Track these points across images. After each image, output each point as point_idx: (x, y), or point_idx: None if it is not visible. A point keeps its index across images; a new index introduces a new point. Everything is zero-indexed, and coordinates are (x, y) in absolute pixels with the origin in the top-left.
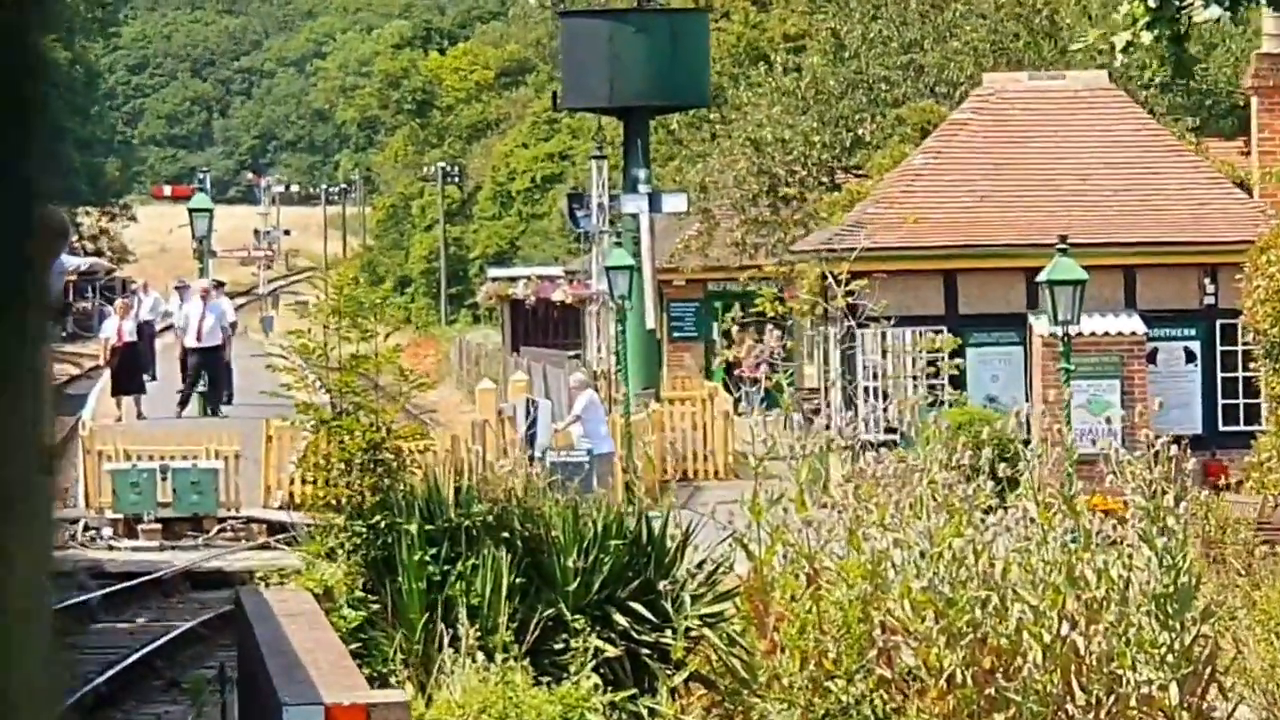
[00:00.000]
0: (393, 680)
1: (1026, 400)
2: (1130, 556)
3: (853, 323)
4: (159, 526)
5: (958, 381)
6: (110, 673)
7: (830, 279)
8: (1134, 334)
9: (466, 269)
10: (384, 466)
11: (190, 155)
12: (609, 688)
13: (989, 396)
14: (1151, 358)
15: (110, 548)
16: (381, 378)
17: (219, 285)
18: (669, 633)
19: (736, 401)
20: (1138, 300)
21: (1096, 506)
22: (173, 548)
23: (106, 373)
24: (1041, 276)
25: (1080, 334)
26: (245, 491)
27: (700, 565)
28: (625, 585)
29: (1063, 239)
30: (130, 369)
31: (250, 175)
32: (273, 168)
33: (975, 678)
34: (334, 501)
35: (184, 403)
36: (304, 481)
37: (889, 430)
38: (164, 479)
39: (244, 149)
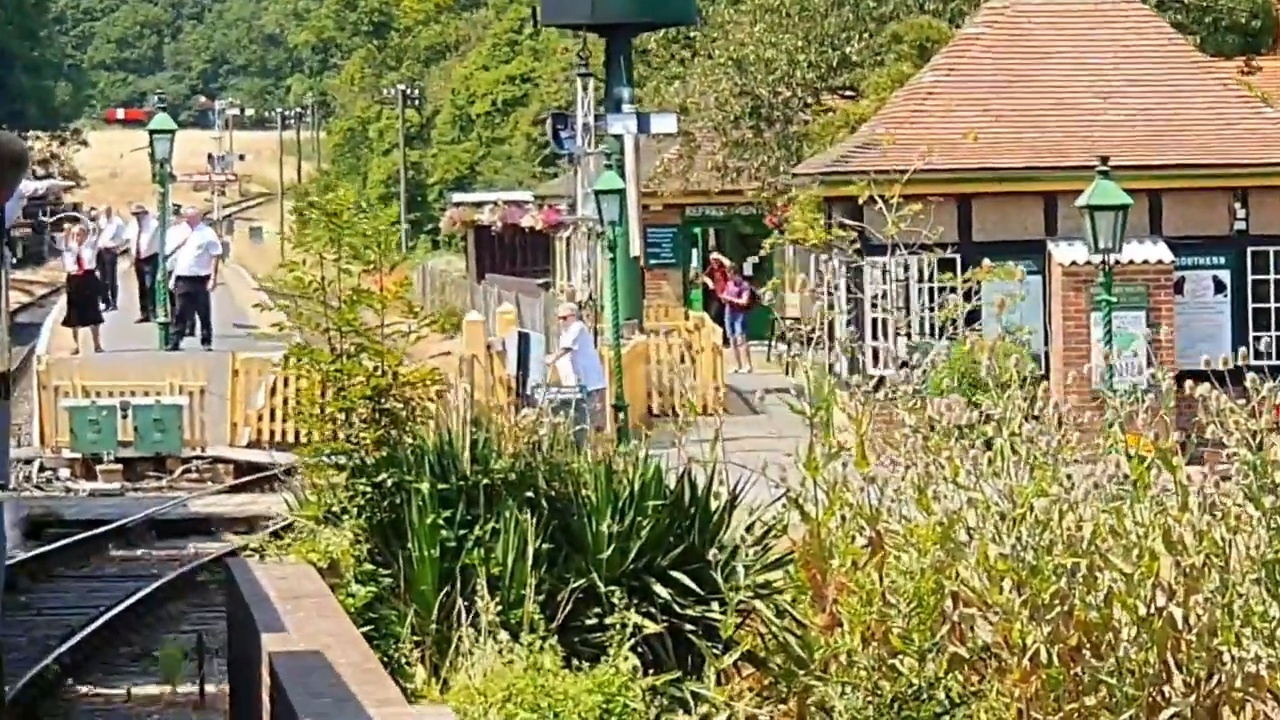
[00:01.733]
0: (406, 666)
1: (1046, 334)
2: (1237, 518)
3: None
4: (119, 467)
5: (973, 315)
6: (71, 640)
7: (880, 201)
8: (1160, 262)
9: (425, 194)
10: (390, 417)
11: (140, 80)
12: (649, 670)
13: (1006, 329)
14: (1178, 287)
15: (68, 490)
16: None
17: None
18: (715, 606)
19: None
20: (1163, 226)
21: (1130, 448)
22: (134, 490)
23: (60, 302)
24: (1081, 200)
25: (1104, 263)
26: (211, 429)
27: (749, 529)
28: (666, 552)
29: (1103, 160)
30: (88, 299)
31: (202, 99)
32: (224, 92)
33: (1060, 656)
34: (333, 457)
35: (180, 337)
36: (273, 418)
37: (901, 365)
38: (125, 416)
39: (195, 73)
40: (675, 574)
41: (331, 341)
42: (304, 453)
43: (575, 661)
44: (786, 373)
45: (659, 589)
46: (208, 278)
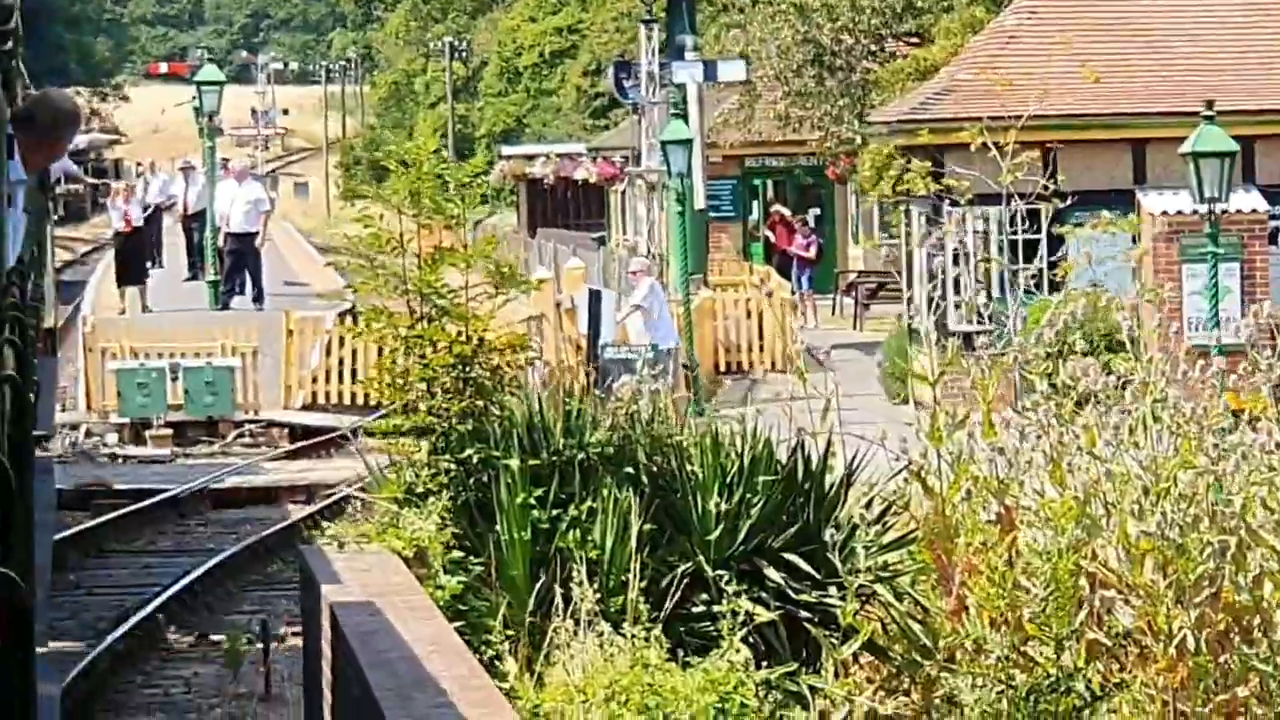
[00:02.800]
0: (496, 661)
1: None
2: None
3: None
4: (169, 432)
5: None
6: (125, 625)
7: (994, 150)
8: (1254, 212)
9: (473, 148)
10: (475, 387)
11: (181, 35)
12: (760, 662)
13: (1093, 283)
14: (1273, 238)
15: (114, 457)
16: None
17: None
18: (833, 591)
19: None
20: (1257, 174)
21: (1233, 406)
22: (185, 455)
23: (106, 260)
24: (1184, 147)
25: (1196, 213)
26: (264, 392)
27: (867, 505)
28: (779, 532)
29: (1208, 104)
30: (137, 257)
31: (244, 54)
32: (266, 47)
33: (1209, 642)
34: (413, 429)
35: (230, 296)
36: (328, 380)
37: (979, 319)
38: (174, 379)
39: (236, 28)
40: (789, 556)
41: (410, 304)
42: (383, 428)
43: (680, 653)
44: (855, 328)
45: (771, 573)
46: (257, 234)
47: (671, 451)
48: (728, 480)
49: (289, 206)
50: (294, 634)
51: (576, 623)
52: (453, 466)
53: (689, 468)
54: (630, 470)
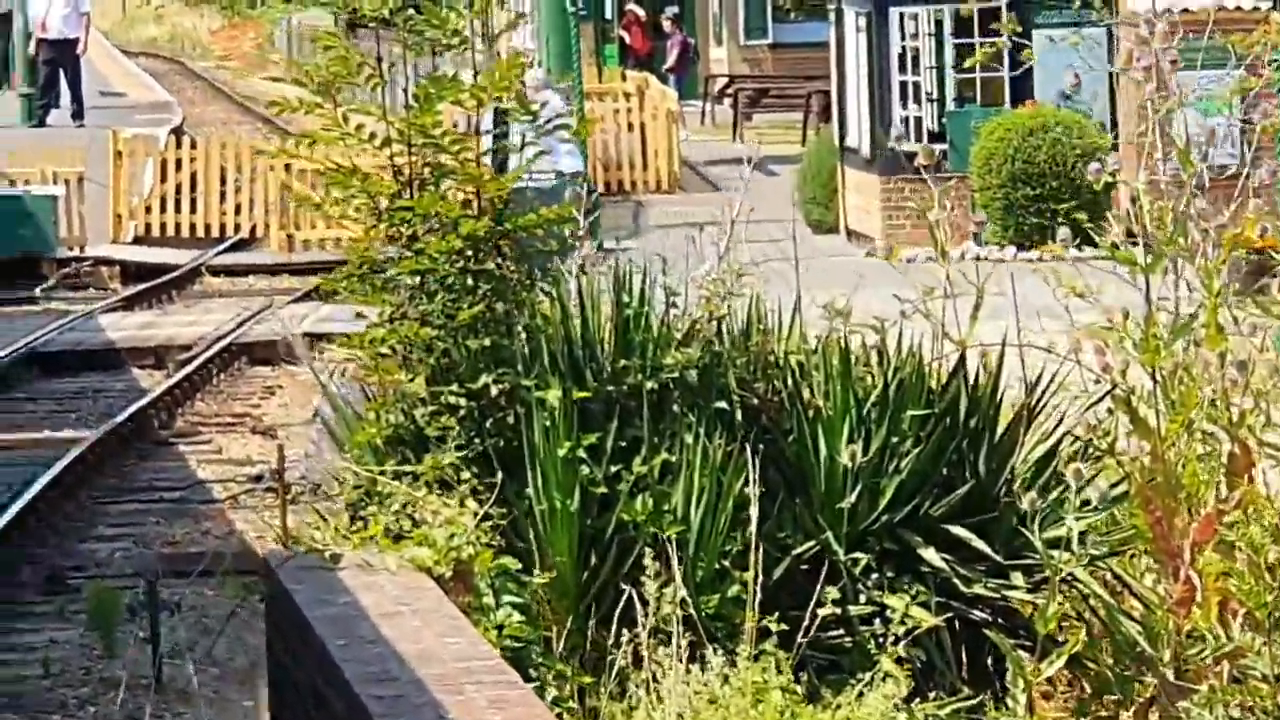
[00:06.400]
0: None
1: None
2: None
3: None
4: None
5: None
6: None
7: None
8: (1255, 9)
9: None
10: (494, 285)
11: None
12: (919, 685)
13: (1063, 94)
14: None
15: None
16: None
17: None
18: (1016, 578)
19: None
20: None
21: (1249, 246)
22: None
23: None
24: None
25: (1186, 10)
26: (91, 224)
27: (1052, 451)
28: (939, 495)
29: None
30: None
31: None
32: None
33: None
34: (401, 349)
35: (45, 111)
36: (163, 209)
37: (933, 138)
38: None
39: None
40: (955, 530)
41: (395, 162)
42: (352, 343)
43: (803, 676)
44: (735, 139)
45: (930, 555)
46: (78, 40)
47: (778, 374)
48: (864, 417)
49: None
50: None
51: (652, 635)
52: (463, 401)
53: (806, 396)
54: (723, 406)
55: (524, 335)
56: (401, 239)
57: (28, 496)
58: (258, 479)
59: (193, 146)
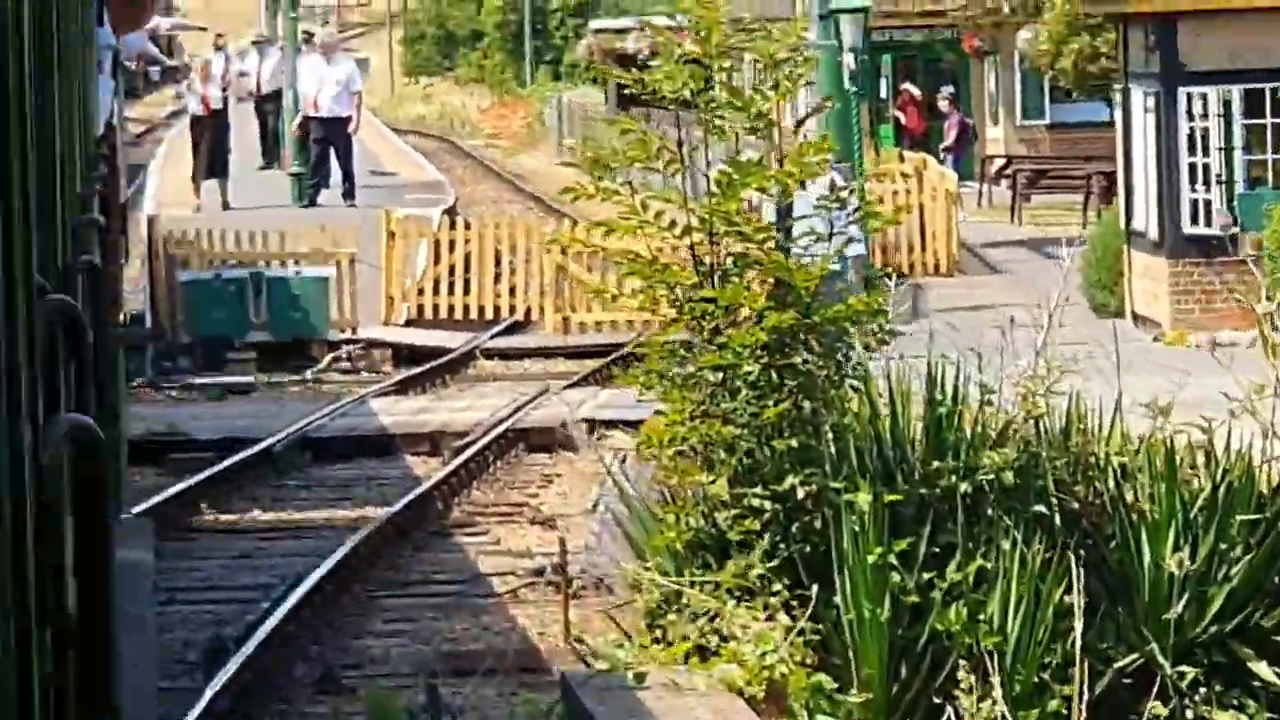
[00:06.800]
0: None
1: None
2: None
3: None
4: (252, 355)
5: None
6: (228, 669)
7: None
8: None
9: (546, 22)
10: (800, 381)
11: None
12: None
13: None
14: None
15: (188, 386)
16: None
17: (309, 37)
18: None
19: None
20: None
21: None
22: (271, 384)
23: (165, 146)
24: None
25: None
26: (362, 306)
27: None
28: (1271, 607)
29: None
30: (217, 146)
31: None
32: None
33: None
34: (702, 448)
35: (316, 190)
36: (436, 290)
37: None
38: (258, 292)
39: None
40: None
41: (696, 250)
42: (657, 437)
43: None
44: (1013, 221)
45: (1261, 669)
46: (349, 118)
47: (1099, 476)
48: (1190, 521)
49: None
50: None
51: None
52: (768, 504)
53: (1129, 499)
54: (1040, 508)
55: (831, 435)
56: (703, 332)
57: (302, 590)
58: (539, 573)
59: (466, 227)
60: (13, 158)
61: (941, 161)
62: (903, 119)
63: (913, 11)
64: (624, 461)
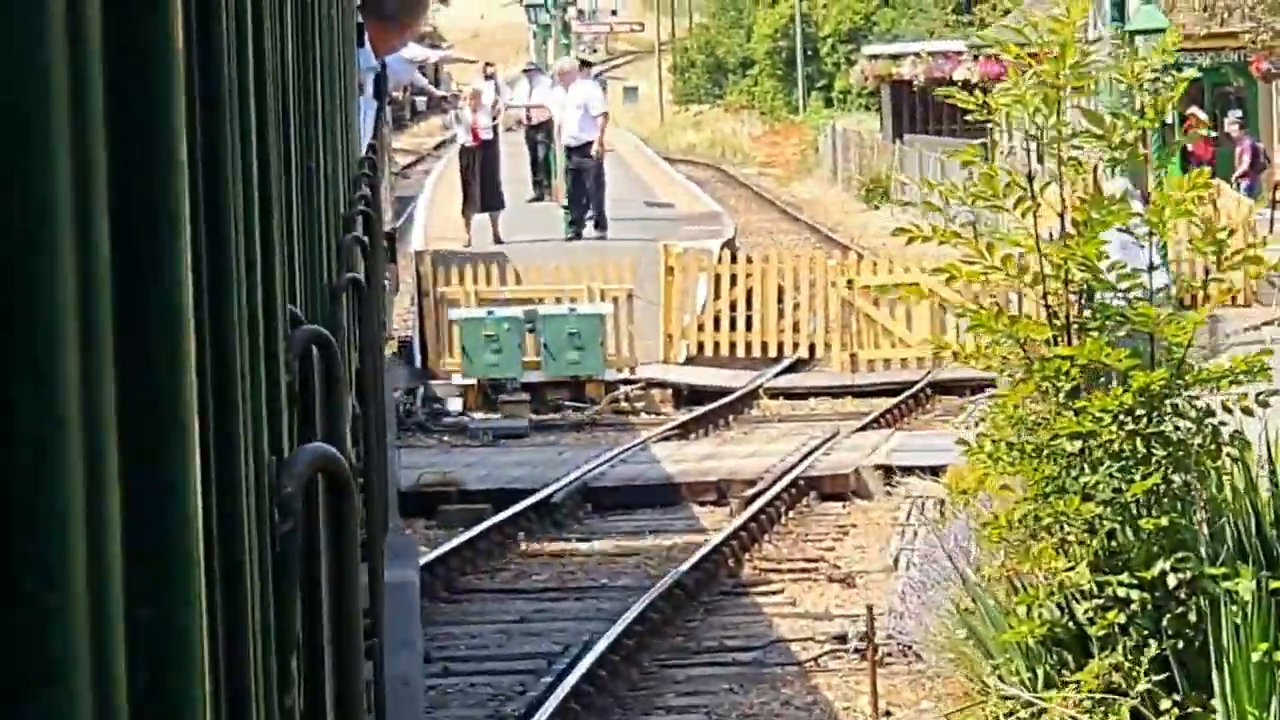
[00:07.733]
0: None
1: None
2: None
3: None
4: (526, 397)
5: None
6: None
7: None
8: None
9: (817, 48)
10: (1169, 450)
11: None
12: None
13: None
14: None
15: (461, 428)
16: None
17: (585, 64)
18: None
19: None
20: None
21: None
22: (546, 427)
23: (434, 178)
24: None
25: None
26: (640, 343)
27: None
28: None
29: None
30: (489, 178)
31: None
32: None
33: None
34: (1057, 529)
35: (580, 224)
36: (716, 327)
37: None
38: (531, 330)
39: None
40: None
41: (1049, 299)
42: (998, 523)
43: None
44: None
45: None
46: (592, 143)
47: None
48: None
49: (618, 113)
50: None
51: None
52: (1134, 594)
53: None
54: None
55: (1204, 512)
56: (1057, 394)
57: (587, 661)
58: (841, 639)
59: (748, 261)
60: (272, 180)
61: (1235, 189)
62: (1190, 145)
63: (1200, 35)
64: (921, 510)
